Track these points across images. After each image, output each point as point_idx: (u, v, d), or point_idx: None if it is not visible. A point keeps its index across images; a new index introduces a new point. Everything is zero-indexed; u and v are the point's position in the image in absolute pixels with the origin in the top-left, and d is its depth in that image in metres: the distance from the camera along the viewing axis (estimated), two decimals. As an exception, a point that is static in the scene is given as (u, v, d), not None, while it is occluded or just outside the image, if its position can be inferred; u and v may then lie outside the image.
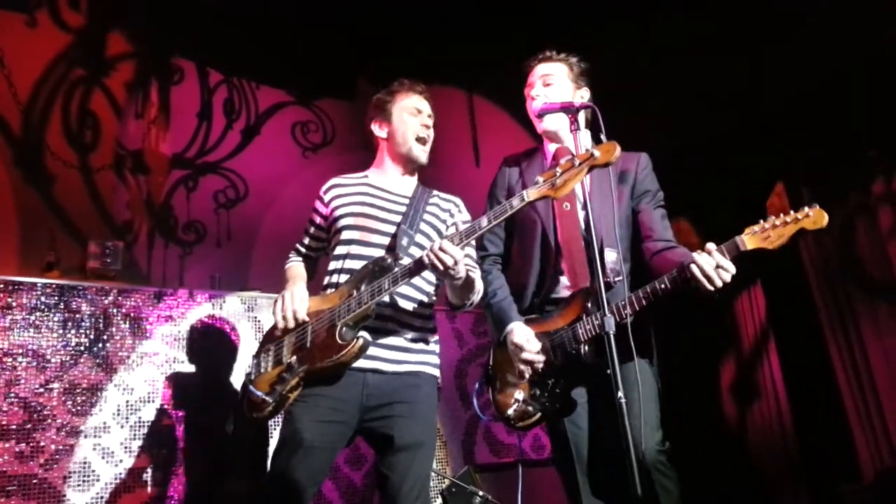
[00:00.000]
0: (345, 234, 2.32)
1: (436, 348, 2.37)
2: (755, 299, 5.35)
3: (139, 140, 3.98)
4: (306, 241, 2.52)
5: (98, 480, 3.20)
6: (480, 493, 3.57)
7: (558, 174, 1.90)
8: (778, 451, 5.02)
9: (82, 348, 3.34)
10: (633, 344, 2.01)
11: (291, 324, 2.23)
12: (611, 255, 2.23)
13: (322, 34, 4.60)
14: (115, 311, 3.47)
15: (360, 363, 2.13)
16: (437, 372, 2.34)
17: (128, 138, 3.95)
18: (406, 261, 2.17)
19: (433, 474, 4.16)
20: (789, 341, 5.11)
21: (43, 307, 3.30)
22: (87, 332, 3.37)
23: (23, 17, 3.75)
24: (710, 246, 2.00)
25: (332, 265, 2.33)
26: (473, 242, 2.26)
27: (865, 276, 4.61)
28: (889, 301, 4.47)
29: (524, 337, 2.27)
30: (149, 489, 3.29)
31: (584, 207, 2.21)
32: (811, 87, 4.56)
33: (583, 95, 2.48)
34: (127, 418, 3.35)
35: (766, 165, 4.98)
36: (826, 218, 1.91)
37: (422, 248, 2.25)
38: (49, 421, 3.17)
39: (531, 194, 1.94)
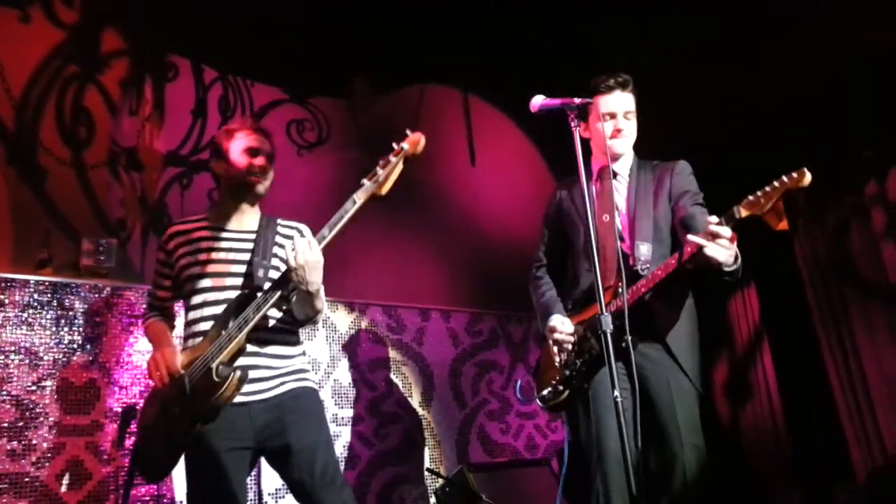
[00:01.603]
0: (198, 283, 2.34)
1: (308, 367, 2.45)
2: (749, 300, 5.37)
3: (133, 137, 3.96)
4: (159, 293, 2.53)
5: (90, 479, 3.19)
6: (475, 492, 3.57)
7: (378, 172, 2.08)
8: (771, 450, 5.04)
9: (75, 346, 3.33)
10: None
11: (167, 380, 2.24)
12: (644, 248, 2.40)
13: (318, 32, 4.59)
14: (108, 308, 3.45)
15: (241, 397, 2.20)
16: (314, 384, 2.42)
17: (122, 135, 3.92)
18: (266, 286, 2.23)
19: (427, 473, 4.16)
20: (783, 342, 5.13)
21: (36, 304, 3.29)
22: (81, 329, 3.36)
23: (16, 13, 3.73)
24: (712, 218, 2.16)
25: (191, 315, 2.35)
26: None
27: (859, 278, 4.63)
28: (882, 302, 4.49)
29: (559, 321, 2.46)
30: (141, 488, 3.28)
31: (621, 215, 2.49)
32: (806, 89, 4.58)
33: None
34: (120, 417, 3.34)
35: (761, 166, 4.98)
36: (808, 176, 2.12)
37: (279, 271, 2.31)
38: (41, 419, 3.15)
39: (359, 196, 2.11)
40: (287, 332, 2.40)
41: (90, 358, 3.35)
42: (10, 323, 3.21)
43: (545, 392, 2.48)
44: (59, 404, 3.22)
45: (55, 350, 3.28)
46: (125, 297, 3.52)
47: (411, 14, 4.63)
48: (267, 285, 2.26)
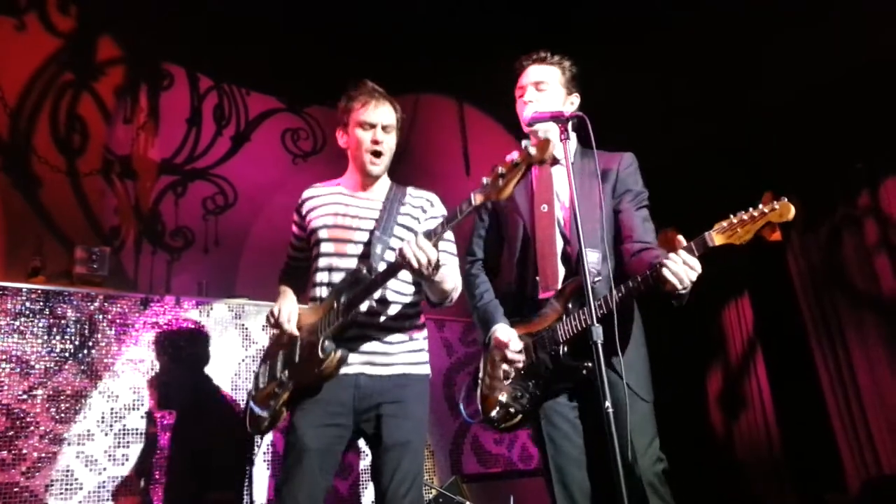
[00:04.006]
0: (323, 248, 2.37)
1: (424, 345, 2.41)
2: (742, 310, 5.38)
3: (128, 145, 3.96)
4: (293, 253, 2.59)
5: (81, 489, 3.17)
6: (467, 503, 3.56)
7: (500, 173, 1.93)
8: (765, 460, 5.04)
9: (67, 355, 3.31)
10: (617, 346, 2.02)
11: (286, 329, 2.33)
12: (592, 256, 2.20)
13: (313, 42, 4.60)
14: (100, 317, 3.44)
15: (352, 367, 2.23)
16: (426, 370, 2.38)
17: (116, 143, 3.93)
18: (382, 267, 2.23)
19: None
20: (776, 352, 5.14)
21: (28, 313, 3.27)
22: (73, 338, 3.34)
23: (12, 21, 3.74)
24: (682, 241, 2.01)
25: (316, 278, 2.38)
26: (450, 235, 2.37)
27: (852, 288, 4.65)
28: (875, 313, 4.50)
29: (506, 336, 2.27)
30: (132, 498, 3.26)
31: (563, 208, 2.28)
32: (800, 98, 4.60)
33: (573, 102, 2.46)
34: (111, 426, 3.32)
35: (754, 176, 5.01)
36: (792, 211, 1.91)
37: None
38: (32, 428, 3.13)
39: (477, 198, 1.98)
40: (403, 307, 2.35)
41: (82, 367, 3.33)
42: (2, 331, 3.19)
43: (494, 413, 2.29)
44: (51, 413, 3.20)
45: (47, 359, 3.26)
46: (118, 305, 3.51)
47: (406, 23, 4.65)
48: (381, 265, 2.24)
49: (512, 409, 2.26)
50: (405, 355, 2.32)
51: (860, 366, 4.54)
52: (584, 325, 2.11)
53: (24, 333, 3.24)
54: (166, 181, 4.07)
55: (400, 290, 2.35)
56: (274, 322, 2.37)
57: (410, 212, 2.43)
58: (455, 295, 2.38)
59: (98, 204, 3.78)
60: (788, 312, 4.97)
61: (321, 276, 2.36)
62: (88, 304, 3.43)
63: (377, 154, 2.41)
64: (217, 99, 4.39)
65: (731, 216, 1.97)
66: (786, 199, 1.91)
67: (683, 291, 2.01)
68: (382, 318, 2.30)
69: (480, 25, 4.67)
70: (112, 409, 3.35)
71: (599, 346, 1.79)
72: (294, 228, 2.55)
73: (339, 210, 2.41)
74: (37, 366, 3.23)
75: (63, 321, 3.34)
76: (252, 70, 4.48)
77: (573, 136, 2.42)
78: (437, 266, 2.09)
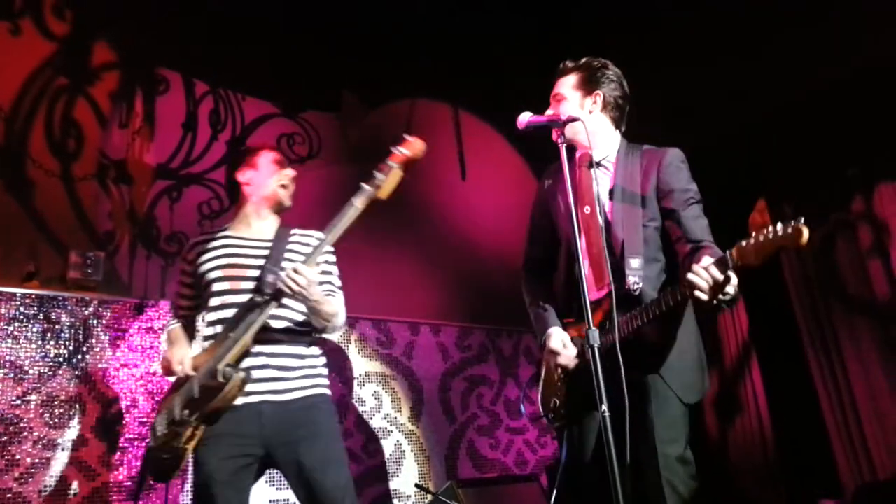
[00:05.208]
0: (216, 287, 2.42)
1: (324, 371, 2.48)
2: (737, 315, 5.39)
3: (123, 150, 3.95)
4: (182, 302, 2.60)
5: (75, 495, 3.15)
6: (463, 508, 3.55)
7: (378, 177, 2.15)
8: (759, 465, 5.04)
9: (61, 360, 3.30)
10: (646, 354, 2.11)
11: (180, 371, 2.30)
12: (635, 262, 2.22)
13: (309, 47, 4.61)
14: (95, 322, 3.43)
15: (253, 395, 2.26)
16: (327, 391, 2.45)
17: (111, 148, 3.91)
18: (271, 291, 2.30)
19: (415, 489, 4.13)
20: (771, 357, 5.15)
21: (21, 317, 3.26)
22: (67, 343, 3.33)
23: (6, 25, 3.73)
24: (706, 261, 1.98)
25: (209, 317, 2.43)
26: (336, 271, 2.54)
27: (846, 293, 4.67)
28: (869, 317, 4.52)
29: (559, 342, 2.30)
30: (127, 504, 3.24)
31: (603, 212, 2.30)
32: (792, 104, 4.62)
33: (595, 101, 2.42)
34: (105, 432, 3.30)
35: (748, 181, 5.03)
36: (805, 236, 1.87)
37: None
38: (25, 434, 3.12)
39: (358, 201, 2.20)
40: (300, 333, 2.44)
41: (76, 372, 3.32)
42: (-4, 336, 3.18)
43: (550, 414, 2.40)
44: (44, 419, 3.18)
45: (41, 364, 3.25)
46: (112, 310, 3.50)
47: (402, 28, 4.66)
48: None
49: (562, 411, 2.33)
50: (303, 380, 2.38)
51: (854, 370, 4.56)
52: (628, 332, 2.13)
53: (18, 338, 3.23)
54: (161, 186, 4.05)
55: (290, 318, 2.41)
56: (168, 364, 2.36)
57: (298, 248, 2.52)
58: (338, 322, 2.46)
59: (93, 208, 3.77)
60: (783, 317, 4.98)
61: (215, 315, 2.41)
62: (83, 308, 3.42)
63: (285, 186, 2.59)
64: (213, 104, 4.38)
65: (750, 238, 1.94)
66: (802, 221, 1.88)
67: (722, 301, 2.01)
68: (280, 346, 2.36)
69: (480, 26, 4.67)
70: (106, 414, 3.33)
71: (596, 349, 1.80)
72: (183, 278, 2.58)
73: (230, 251, 2.49)
74: (31, 371, 3.21)
75: (57, 326, 3.33)
76: (248, 75, 4.48)
77: (616, 133, 2.44)
78: (317, 290, 2.27)
